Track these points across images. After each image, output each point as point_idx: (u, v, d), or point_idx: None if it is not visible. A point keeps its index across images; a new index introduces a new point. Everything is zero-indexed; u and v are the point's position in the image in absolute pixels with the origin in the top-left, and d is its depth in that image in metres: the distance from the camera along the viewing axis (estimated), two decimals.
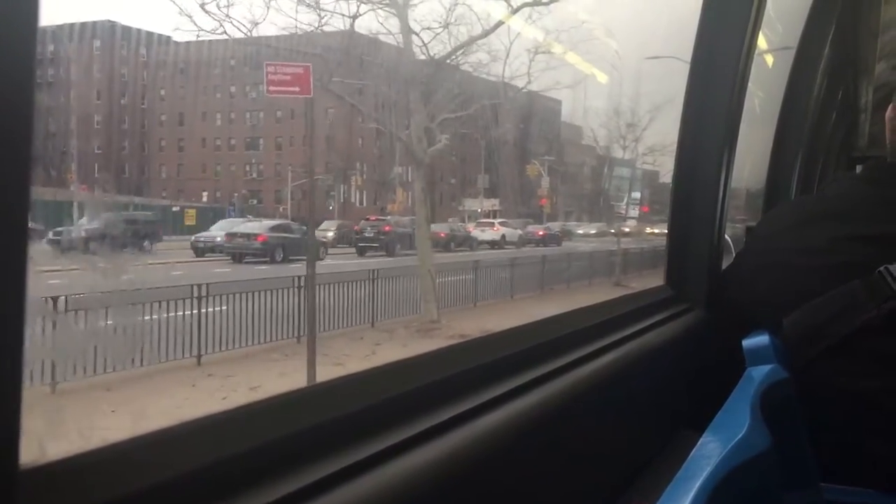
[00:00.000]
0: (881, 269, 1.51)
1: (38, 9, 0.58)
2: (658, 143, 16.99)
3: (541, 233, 20.66)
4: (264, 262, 11.70)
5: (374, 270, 11.06)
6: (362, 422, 0.97)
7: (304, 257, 9.51)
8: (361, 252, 14.40)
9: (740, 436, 1.13)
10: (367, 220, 15.41)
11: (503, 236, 17.81)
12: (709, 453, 1.06)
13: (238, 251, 11.85)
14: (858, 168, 2.03)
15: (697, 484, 0.97)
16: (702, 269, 2.40)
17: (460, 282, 12.70)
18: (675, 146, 2.58)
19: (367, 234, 14.81)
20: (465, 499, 1.04)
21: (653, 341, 1.91)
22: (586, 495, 1.48)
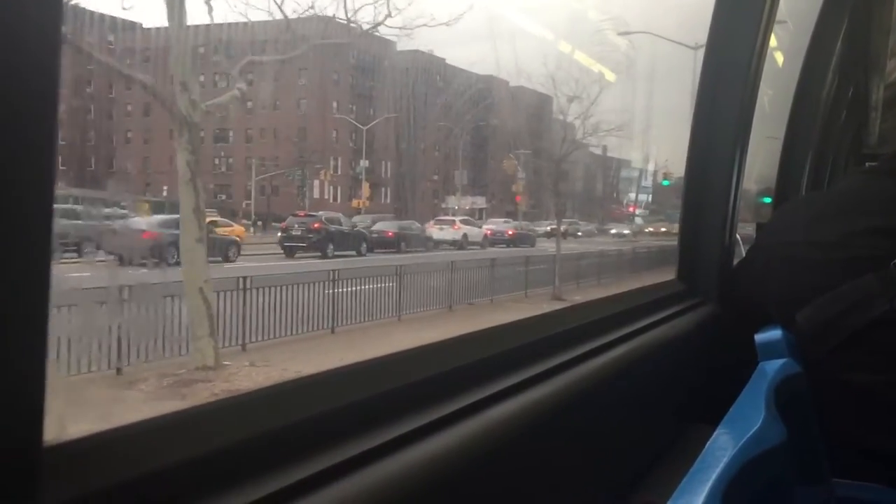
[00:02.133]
0: (895, 262, 1.50)
1: (62, 13, 0.58)
2: (605, 122, 15.71)
3: (510, 232, 18.99)
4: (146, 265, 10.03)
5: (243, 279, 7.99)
6: (371, 411, 0.97)
7: (218, 258, 8.20)
8: (290, 253, 12.22)
9: (755, 429, 1.12)
10: (296, 215, 13.37)
11: (465, 236, 16.24)
12: (723, 446, 1.06)
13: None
14: (868, 165, 2.02)
15: (713, 477, 0.96)
16: (713, 264, 2.40)
17: (363, 293, 9.70)
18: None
19: (293, 233, 12.48)
20: (473, 491, 1.04)
21: (664, 335, 1.91)
22: (598, 488, 1.48)
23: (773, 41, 3.61)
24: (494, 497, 1.10)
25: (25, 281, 0.56)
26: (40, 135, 0.57)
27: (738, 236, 2.66)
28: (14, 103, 0.55)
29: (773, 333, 1.60)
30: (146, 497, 0.66)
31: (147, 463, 0.68)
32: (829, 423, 1.53)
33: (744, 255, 2.53)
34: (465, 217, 18.12)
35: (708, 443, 1.06)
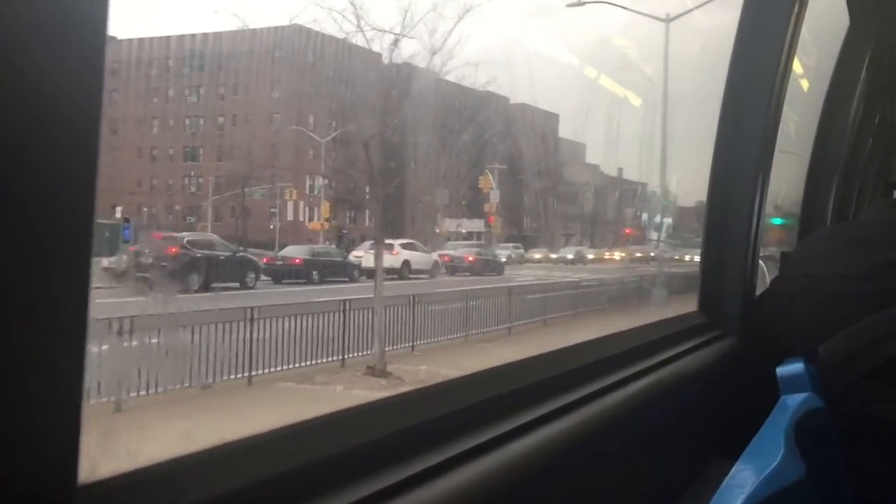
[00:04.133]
0: None
1: (107, 18, 0.61)
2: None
3: (470, 259, 16.15)
4: None
5: None
6: (391, 447, 0.98)
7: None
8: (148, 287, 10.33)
9: (774, 465, 1.12)
10: (155, 238, 12.16)
11: (405, 263, 13.65)
12: (742, 482, 1.06)
13: None
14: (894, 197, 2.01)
15: None
16: (735, 296, 2.38)
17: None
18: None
19: (142, 261, 10.43)
20: None
21: (685, 368, 1.90)
22: None
23: (798, 68, 3.61)
24: None
25: (63, 314, 0.58)
26: (84, 139, 0.58)
27: (762, 263, 2.64)
28: (59, 105, 0.57)
29: (796, 367, 1.59)
30: None
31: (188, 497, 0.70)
32: (852, 458, 1.52)
33: (768, 282, 2.52)
34: (408, 241, 14.66)
35: (727, 478, 1.06)
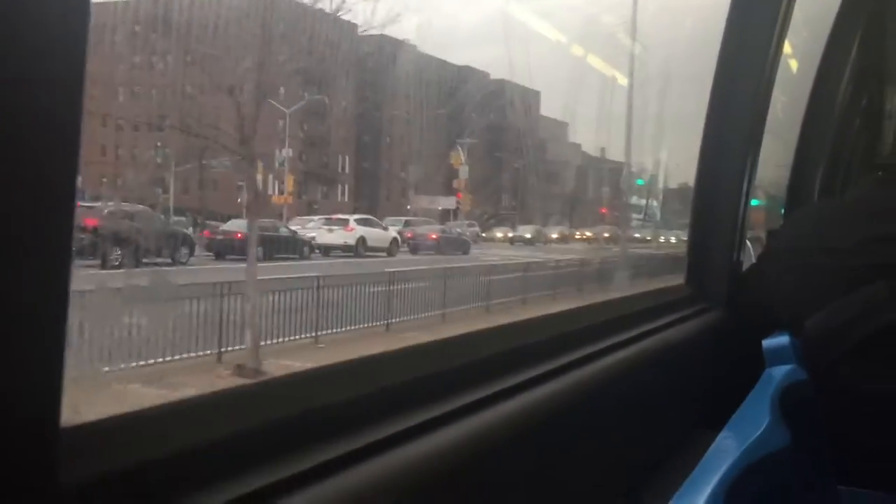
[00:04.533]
0: None
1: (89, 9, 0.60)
2: None
3: (432, 236, 14.98)
4: None
5: None
6: (376, 405, 0.97)
7: None
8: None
9: (759, 433, 1.13)
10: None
11: (361, 240, 12.62)
12: (727, 450, 1.06)
13: None
14: (880, 174, 2.02)
15: (715, 480, 0.97)
16: (723, 269, 2.40)
17: None
18: None
19: None
20: (474, 490, 1.04)
21: (671, 339, 1.91)
22: (602, 491, 1.48)
23: (787, 48, 3.60)
24: (496, 497, 1.10)
25: (46, 270, 0.58)
26: (64, 136, 0.58)
27: (748, 241, 2.65)
28: (41, 101, 0.56)
29: (781, 339, 1.60)
30: (164, 478, 0.68)
31: (161, 447, 0.70)
32: (835, 430, 1.53)
33: (753, 260, 2.53)
34: (365, 216, 13.73)
35: (712, 445, 1.06)
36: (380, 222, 13.49)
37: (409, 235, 13.94)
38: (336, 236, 11.77)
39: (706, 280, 2.39)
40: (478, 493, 1.05)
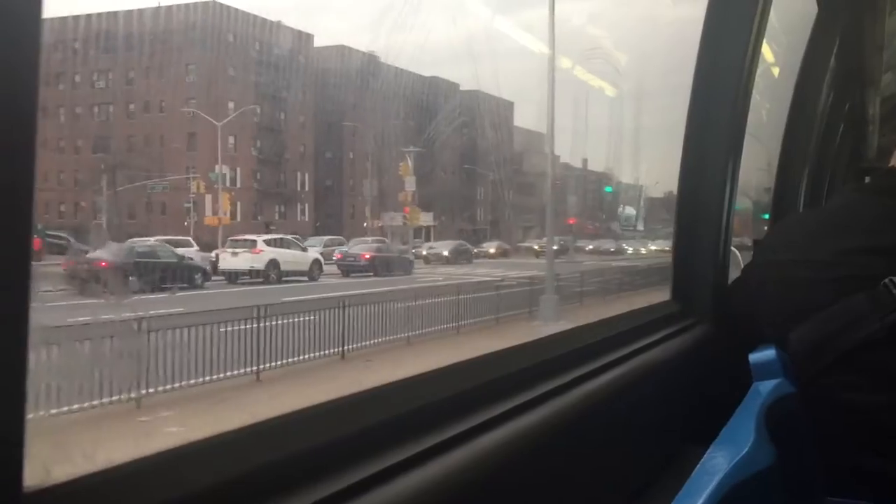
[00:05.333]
0: (886, 280, 1.50)
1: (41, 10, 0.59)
2: None
3: (366, 256, 13.70)
4: None
5: None
6: (366, 440, 0.97)
7: None
8: None
9: (745, 451, 1.13)
10: None
11: (272, 263, 11.15)
12: (713, 469, 1.06)
13: None
14: (867, 180, 2.03)
15: (702, 498, 0.97)
16: (708, 283, 2.39)
17: None
18: None
19: None
20: None
21: (659, 356, 1.90)
22: None
23: (769, 56, 3.63)
24: None
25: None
26: (20, 136, 0.57)
27: (735, 250, 2.65)
28: None
29: (768, 353, 1.60)
30: None
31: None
32: (822, 442, 1.53)
33: (741, 267, 2.53)
34: (280, 237, 12.49)
35: (699, 465, 1.06)
36: (298, 243, 12.44)
37: (337, 257, 13.27)
38: (241, 260, 10.75)
39: (692, 295, 2.38)
40: None
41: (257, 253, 11.40)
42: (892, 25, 3.92)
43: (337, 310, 9.04)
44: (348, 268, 13.49)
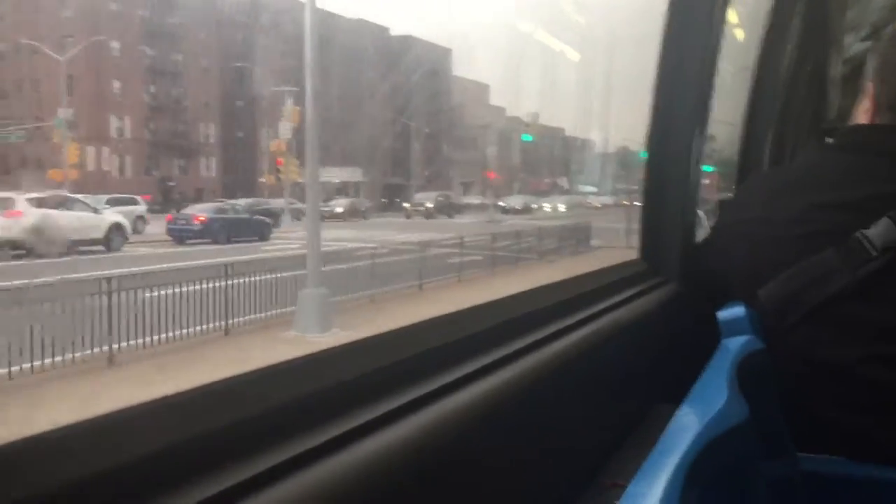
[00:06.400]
0: (857, 234, 1.50)
1: None
2: None
3: (200, 218, 11.20)
4: None
5: None
6: (326, 402, 0.94)
7: None
8: None
9: (718, 407, 1.11)
10: None
11: (35, 229, 8.31)
12: (686, 425, 1.04)
13: None
14: (824, 141, 2.03)
15: (677, 456, 0.95)
16: (676, 243, 2.40)
17: None
18: None
19: None
20: (431, 483, 1.01)
21: (626, 316, 1.90)
22: (563, 473, 1.46)
23: (734, 18, 3.61)
24: (455, 486, 1.07)
25: None
26: None
27: (701, 213, 2.66)
28: None
29: (736, 310, 1.59)
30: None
31: (86, 465, 0.65)
32: (793, 398, 1.53)
33: (707, 230, 2.53)
34: (54, 193, 9.57)
35: (670, 422, 1.05)
36: (87, 203, 9.59)
37: (168, 219, 10.98)
38: None
39: (660, 253, 2.39)
40: (436, 485, 1.02)
41: (13, 216, 8.30)
42: None
43: (93, 297, 7.06)
44: (181, 233, 10.97)
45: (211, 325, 8.59)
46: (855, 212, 1.55)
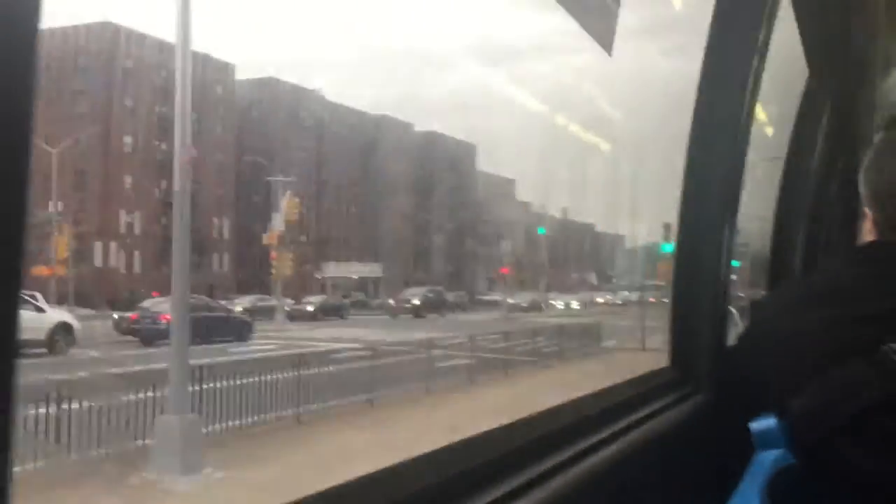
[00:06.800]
0: (885, 347, 1.49)
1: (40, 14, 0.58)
2: None
3: (164, 318, 9.77)
4: None
5: None
6: None
7: None
8: None
9: None
10: None
11: None
12: None
13: None
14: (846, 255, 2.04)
15: None
16: (706, 350, 2.35)
17: None
18: None
19: None
20: None
21: (658, 427, 1.86)
22: None
23: (763, 116, 3.66)
24: None
25: None
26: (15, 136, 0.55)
27: (734, 310, 2.62)
28: None
29: (769, 422, 1.57)
30: None
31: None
32: None
33: (740, 329, 2.50)
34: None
35: None
36: (31, 300, 8.43)
37: (132, 317, 10.07)
38: None
39: (691, 362, 2.34)
40: None
41: None
42: (884, 88, 3.97)
43: None
44: (148, 333, 9.90)
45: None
46: (880, 324, 1.54)
